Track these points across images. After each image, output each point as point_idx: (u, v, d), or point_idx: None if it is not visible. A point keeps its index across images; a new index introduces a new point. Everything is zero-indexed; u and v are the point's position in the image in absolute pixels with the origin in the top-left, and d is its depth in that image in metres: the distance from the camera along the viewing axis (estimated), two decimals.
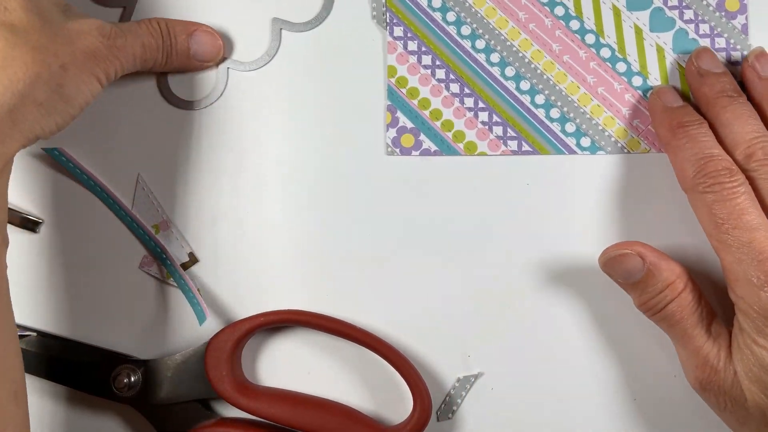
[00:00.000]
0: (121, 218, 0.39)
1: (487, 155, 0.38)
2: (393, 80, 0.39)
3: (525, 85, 0.38)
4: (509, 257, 0.38)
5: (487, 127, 0.38)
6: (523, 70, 0.38)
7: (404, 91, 0.39)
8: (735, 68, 0.37)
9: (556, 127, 0.38)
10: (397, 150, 0.38)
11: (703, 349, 0.34)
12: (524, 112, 0.38)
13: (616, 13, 0.38)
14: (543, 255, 0.38)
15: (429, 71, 0.39)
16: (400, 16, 0.39)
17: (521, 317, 0.38)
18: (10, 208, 0.38)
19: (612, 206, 0.38)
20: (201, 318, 0.37)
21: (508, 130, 0.38)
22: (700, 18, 0.38)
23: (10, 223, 0.38)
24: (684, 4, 0.38)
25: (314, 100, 0.39)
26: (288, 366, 0.39)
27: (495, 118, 0.38)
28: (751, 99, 0.36)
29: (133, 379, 0.38)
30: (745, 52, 0.37)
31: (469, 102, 0.39)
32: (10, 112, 0.30)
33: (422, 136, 0.38)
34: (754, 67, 0.36)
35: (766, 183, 0.33)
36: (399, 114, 0.39)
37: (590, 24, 0.38)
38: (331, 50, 0.39)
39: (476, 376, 0.38)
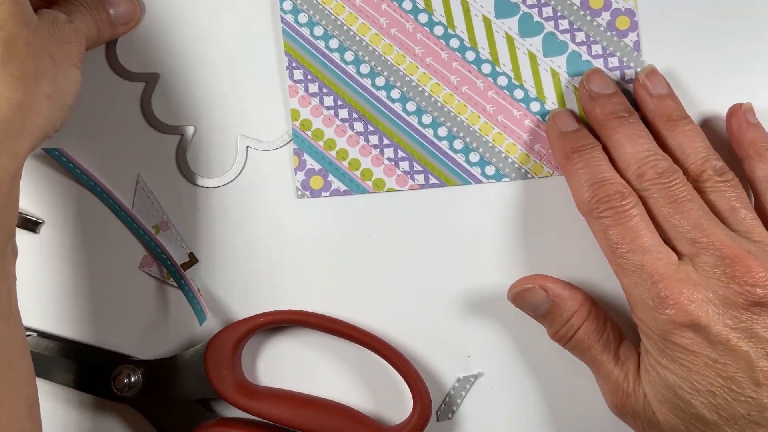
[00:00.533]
0: (121, 218, 0.39)
1: (396, 191, 0.39)
2: (297, 123, 0.39)
3: (427, 119, 0.39)
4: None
5: (393, 163, 0.39)
6: (423, 104, 0.39)
7: (309, 133, 0.39)
8: (629, 85, 0.38)
9: (460, 157, 0.39)
10: (307, 192, 0.39)
11: (613, 374, 0.34)
12: (428, 146, 0.39)
13: (510, 41, 0.39)
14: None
15: (332, 112, 0.39)
16: (298, 60, 0.39)
17: (521, 317, 0.38)
18: None
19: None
20: (201, 318, 0.37)
21: (414, 164, 0.39)
22: (591, 39, 0.39)
23: None
24: (575, 26, 0.39)
25: None
26: (288, 366, 0.39)
27: (400, 153, 0.39)
28: (643, 117, 0.37)
29: (133, 379, 0.38)
30: (639, 69, 0.38)
31: (374, 139, 0.39)
32: (20, 107, 0.30)
33: (330, 177, 0.39)
34: (645, 85, 0.37)
35: (657, 202, 0.34)
36: (306, 156, 0.39)
37: (485, 54, 0.39)
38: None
39: (476, 376, 0.38)
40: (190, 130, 0.39)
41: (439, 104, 0.39)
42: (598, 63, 0.39)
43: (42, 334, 0.39)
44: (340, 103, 0.39)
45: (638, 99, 0.37)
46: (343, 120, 0.39)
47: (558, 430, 0.38)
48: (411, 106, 0.39)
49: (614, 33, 0.39)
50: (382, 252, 0.39)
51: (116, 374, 0.38)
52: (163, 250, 0.39)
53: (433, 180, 0.39)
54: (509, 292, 0.37)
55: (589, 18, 0.39)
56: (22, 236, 0.39)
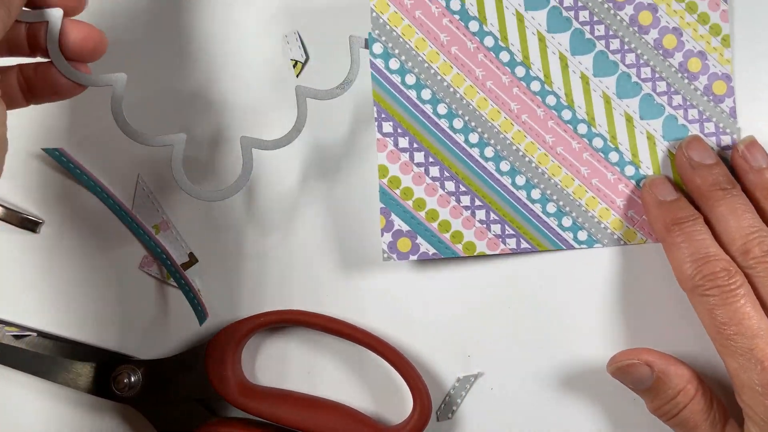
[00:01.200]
0: (121, 218, 0.38)
1: (486, 255, 0.37)
2: (385, 181, 0.36)
3: (520, 180, 0.37)
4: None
5: (485, 225, 0.37)
6: (517, 164, 0.37)
7: (398, 191, 0.36)
8: (726, 153, 0.38)
9: (552, 221, 0.37)
10: (394, 255, 0.36)
11: None
12: (521, 208, 0.37)
13: (607, 101, 0.37)
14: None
15: (422, 169, 0.37)
16: (388, 110, 0.36)
17: (521, 317, 0.38)
18: (10, 209, 0.39)
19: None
20: (201, 318, 0.37)
21: (506, 227, 0.37)
22: (688, 103, 0.38)
23: (10, 223, 0.39)
24: (672, 89, 0.37)
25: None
26: (288, 366, 0.39)
27: (492, 215, 0.37)
28: (743, 189, 0.36)
29: (133, 379, 0.38)
30: (735, 136, 0.38)
31: (466, 200, 0.37)
32: None
33: (419, 239, 0.36)
34: (745, 157, 0.36)
35: (763, 281, 0.34)
36: (393, 217, 0.36)
37: (582, 113, 0.37)
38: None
39: (476, 376, 0.38)
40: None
41: (533, 165, 0.37)
42: (694, 128, 0.38)
43: (42, 334, 0.38)
44: (431, 160, 0.36)
45: (738, 169, 0.37)
46: (433, 178, 0.37)
47: (557, 430, 0.39)
48: (504, 166, 0.37)
49: (711, 98, 0.38)
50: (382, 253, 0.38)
51: (116, 374, 0.38)
52: (162, 250, 0.38)
53: (524, 244, 0.37)
54: (610, 366, 0.36)
55: (686, 81, 0.38)
56: (22, 236, 0.39)
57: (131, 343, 0.39)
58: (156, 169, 0.39)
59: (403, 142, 0.36)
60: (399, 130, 0.36)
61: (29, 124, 0.39)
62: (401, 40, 0.36)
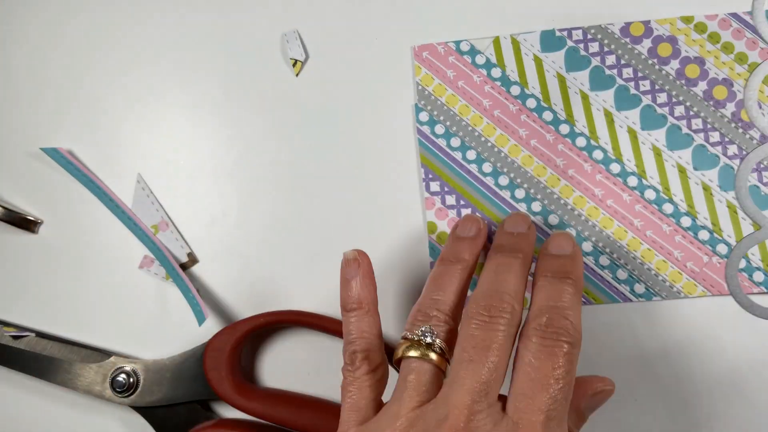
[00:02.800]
0: (121, 218, 0.39)
1: None
2: (434, 236, 0.38)
3: (571, 233, 0.37)
4: None
5: None
6: (566, 217, 0.37)
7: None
8: None
9: (607, 274, 0.37)
10: None
11: None
12: None
13: (657, 152, 0.37)
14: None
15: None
16: (435, 171, 0.38)
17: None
18: (10, 209, 0.39)
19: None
20: (200, 319, 0.36)
21: None
22: (744, 151, 0.37)
23: (10, 223, 0.39)
24: (727, 139, 0.37)
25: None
26: (288, 366, 0.39)
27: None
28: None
29: (132, 380, 0.37)
30: None
31: None
32: None
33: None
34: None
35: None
36: None
37: (631, 166, 0.37)
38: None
39: None
40: None
41: (582, 218, 0.37)
42: (753, 177, 0.37)
43: (40, 335, 0.39)
44: (478, 214, 0.38)
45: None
46: None
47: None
48: (553, 219, 0.37)
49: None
50: (382, 253, 0.38)
51: (115, 375, 0.38)
52: (162, 250, 0.38)
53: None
54: None
55: (739, 130, 0.37)
56: (22, 236, 0.39)
57: (131, 343, 0.39)
58: (156, 169, 0.40)
59: (450, 200, 0.38)
60: (446, 189, 0.38)
61: (29, 124, 0.40)
62: (445, 107, 0.38)
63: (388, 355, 0.33)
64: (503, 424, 0.28)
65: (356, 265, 0.33)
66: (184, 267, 0.39)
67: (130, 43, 0.40)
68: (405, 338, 0.31)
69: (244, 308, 0.39)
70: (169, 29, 0.40)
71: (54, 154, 0.38)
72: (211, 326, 0.38)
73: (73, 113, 0.40)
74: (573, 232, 0.37)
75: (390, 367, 0.33)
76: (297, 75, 0.39)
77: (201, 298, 0.38)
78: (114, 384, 0.38)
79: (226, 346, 0.37)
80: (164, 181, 0.39)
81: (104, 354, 0.38)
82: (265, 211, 0.39)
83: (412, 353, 0.30)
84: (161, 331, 0.39)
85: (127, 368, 0.38)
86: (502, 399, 0.29)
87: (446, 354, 0.31)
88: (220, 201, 0.39)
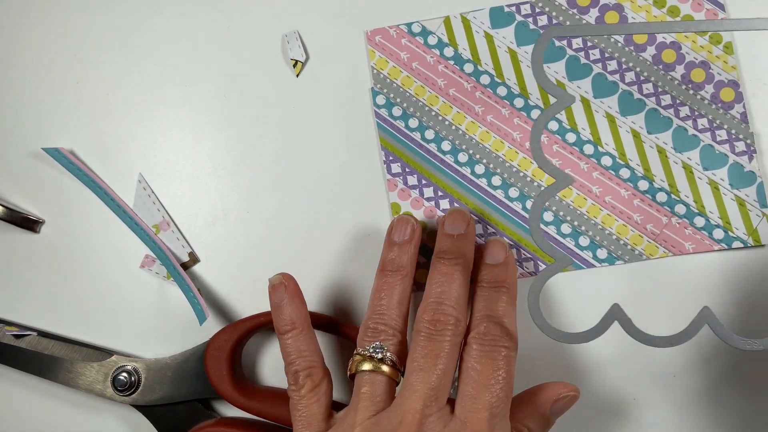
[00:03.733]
0: (122, 218, 0.39)
1: None
2: None
3: (531, 205, 0.38)
4: None
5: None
6: (527, 189, 0.38)
7: None
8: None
9: (569, 242, 0.38)
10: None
11: None
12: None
13: (611, 120, 0.38)
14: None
15: (432, 203, 0.38)
16: (395, 153, 0.39)
17: (521, 318, 0.37)
18: (10, 208, 0.39)
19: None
20: (201, 318, 0.37)
21: (522, 251, 0.38)
22: (696, 113, 0.38)
23: (11, 223, 0.39)
24: (678, 101, 0.38)
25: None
26: None
27: (507, 240, 0.38)
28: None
29: (133, 379, 0.38)
30: (749, 141, 0.37)
31: (479, 228, 0.38)
32: None
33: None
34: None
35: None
36: None
37: (587, 134, 0.38)
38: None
39: None
40: None
41: (543, 189, 0.38)
42: (706, 137, 0.37)
43: (42, 334, 0.39)
44: (440, 193, 0.38)
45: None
46: (444, 210, 0.38)
47: (557, 430, 0.36)
48: (513, 192, 0.38)
49: (719, 105, 0.37)
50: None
51: (116, 374, 0.38)
52: (163, 250, 0.38)
53: (542, 266, 0.38)
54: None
55: (691, 92, 0.38)
56: (22, 236, 0.40)
57: (133, 341, 0.39)
58: (157, 169, 0.40)
59: (412, 180, 0.39)
60: (407, 170, 0.39)
61: (30, 124, 0.40)
62: (401, 89, 0.39)
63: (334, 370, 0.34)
64: (452, 424, 0.31)
65: (282, 288, 0.35)
66: (186, 266, 0.39)
67: (132, 44, 0.40)
68: (357, 354, 0.33)
69: (245, 307, 0.39)
70: (170, 30, 0.40)
71: (56, 154, 0.38)
72: (213, 325, 0.39)
73: (75, 113, 0.40)
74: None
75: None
76: (297, 75, 0.39)
77: (202, 297, 0.38)
78: (115, 383, 0.38)
79: (226, 345, 0.37)
80: (165, 181, 0.40)
81: (106, 353, 0.39)
82: (265, 210, 0.39)
83: (365, 367, 0.33)
84: (162, 330, 0.39)
85: (128, 367, 0.38)
86: (451, 402, 0.32)
87: (398, 365, 0.33)
88: (221, 200, 0.39)
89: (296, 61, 0.39)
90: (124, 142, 0.40)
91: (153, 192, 0.40)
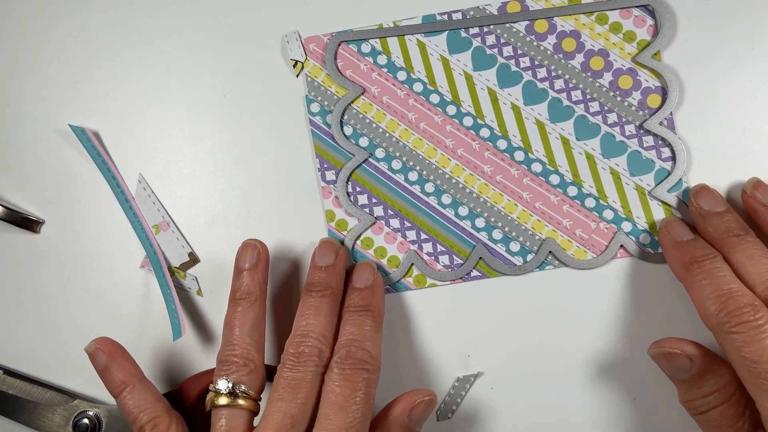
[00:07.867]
0: (126, 212, 0.39)
1: (437, 286, 0.38)
2: (333, 224, 0.39)
3: (463, 211, 0.39)
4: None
5: (433, 257, 0.38)
6: (459, 195, 0.39)
7: (345, 233, 0.39)
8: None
9: (500, 248, 0.38)
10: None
11: None
12: (467, 238, 0.38)
13: (541, 126, 0.39)
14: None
15: (367, 209, 0.39)
16: (330, 161, 0.39)
17: (521, 318, 0.38)
18: (10, 208, 0.39)
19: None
20: (176, 334, 0.37)
21: (454, 258, 0.38)
22: (623, 119, 0.38)
23: (11, 223, 0.39)
24: (606, 108, 0.38)
25: None
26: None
27: (440, 247, 0.38)
28: (759, 228, 0.36)
29: (93, 425, 0.38)
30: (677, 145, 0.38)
31: (411, 235, 0.39)
32: None
33: None
34: (755, 196, 0.36)
35: None
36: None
37: (517, 141, 0.39)
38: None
39: (476, 376, 0.38)
40: None
41: (474, 195, 0.39)
42: (633, 143, 0.38)
43: (10, 372, 0.39)
44: (374, 200, 0.39)
45: (750, 211, 0.36)
46: (378, 217, 0.39)
47: (557, 430, 0.38)
48: (446, 199, 0.39)
49: (647, 112, 0.38)
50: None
51: (78, 419, 0.38)
52: (158, 254, 0.39)
53: (475, 273, 0.38)
54: (652, 349, 0.35)
55: (619, 99, 0.38)
56: (22, 236, 0.40)
57: (132, 340, 0.39)
58: (157, 169, 0.40)
59: (347, 187, 0.39)
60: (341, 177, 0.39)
61: (30, 124, 0.40)
62: (335, 97, 0.39)
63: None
64: None
65: (99, 352, 0.36)
66: (185, 266, 0.39)
67: (132, 44, 0.40)
68: (211, 390, 0.34)
69: None
70: (170, 30, 0.40)
71: (80, 133, 0.38)
72: (211, 327, 0.39)
73: (75, 114, 0.40)
74: (465, 210, 0.38)
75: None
76: (297, 75, 0.39)
77: (183, 313, 0.38)
78: (76, 428, 0.38)
79: (190, 395, 0.37)
80: (165, 181, 0.40)
81: (69, 396, 0.39)
82: (266, 210, 0.39)
83: (221, 402, 0.34)
84: (163, 329, 0.39)
85: (90, 413, 0.38)
86: (311, 428, 0.33)
87: (253, 396, 0.35)
88: (221, 201, 0.40)
89: (296, 61, 0.39)
90: (124, 143, 0.40)
91: (153, 192, 0.40)
